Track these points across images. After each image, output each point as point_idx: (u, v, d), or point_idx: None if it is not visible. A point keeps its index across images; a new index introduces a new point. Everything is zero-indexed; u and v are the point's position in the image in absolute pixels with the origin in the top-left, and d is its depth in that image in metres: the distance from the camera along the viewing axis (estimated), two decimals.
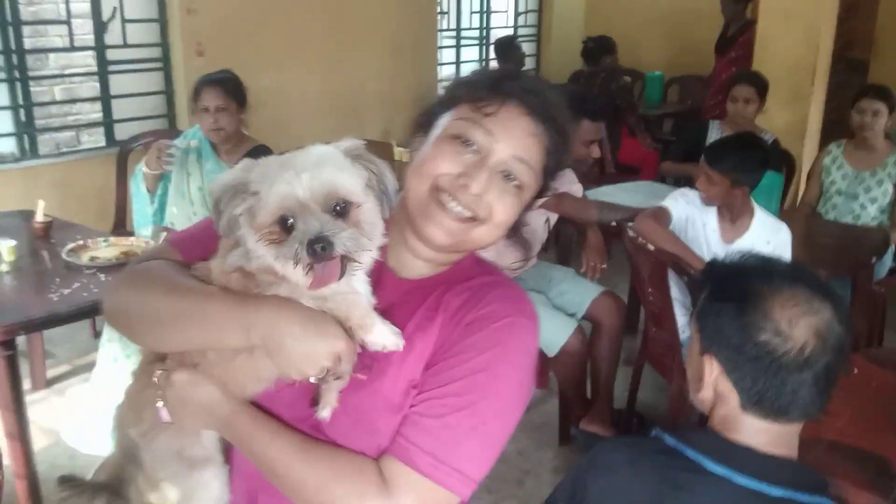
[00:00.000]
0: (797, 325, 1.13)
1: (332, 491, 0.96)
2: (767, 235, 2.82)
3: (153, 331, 1.06)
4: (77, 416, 3.18)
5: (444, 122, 1.08)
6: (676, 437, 1.18)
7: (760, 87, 4.09)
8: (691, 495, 1.11)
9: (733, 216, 2.81)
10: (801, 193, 4.30)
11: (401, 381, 1.03)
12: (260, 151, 3.22)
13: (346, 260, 0.94)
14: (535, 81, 1.10)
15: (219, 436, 1.09)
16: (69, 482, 1.14)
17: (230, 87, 3.17)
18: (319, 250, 0.90)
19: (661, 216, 2.79)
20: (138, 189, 3.31)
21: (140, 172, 3.26)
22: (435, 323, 1.05)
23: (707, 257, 2.83)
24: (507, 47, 6.39)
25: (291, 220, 0.92)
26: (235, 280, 1.01)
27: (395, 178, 1.02)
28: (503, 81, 1.07)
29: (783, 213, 3.34)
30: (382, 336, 0.99)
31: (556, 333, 2.88)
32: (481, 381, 1.00)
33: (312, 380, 1.00)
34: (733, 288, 1.18)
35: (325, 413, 1.01)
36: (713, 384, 1.19)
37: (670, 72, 7.04)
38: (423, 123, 1.12)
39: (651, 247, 2.66)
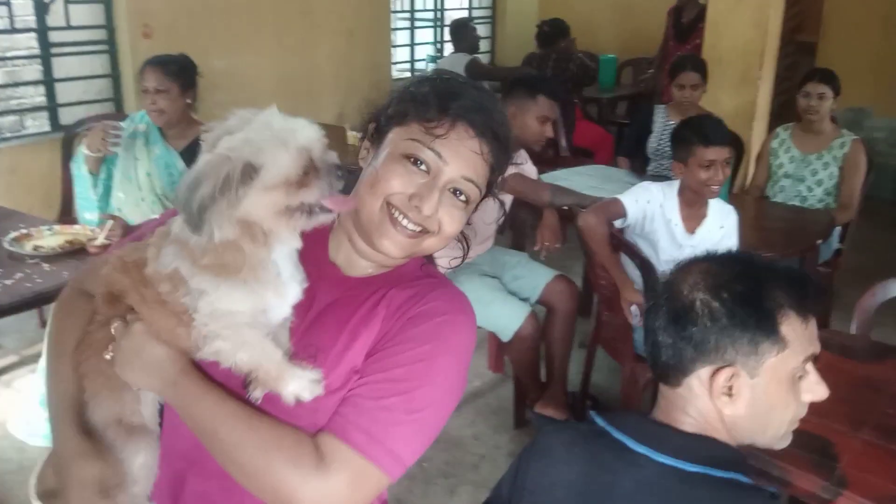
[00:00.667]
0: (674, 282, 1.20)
1: (270, 457, 0.98)
2: (721, 220, 2.86)
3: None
4: (24, 407, 3.11)
5: (394, 138, 1.13)
6: (605, 419, 1.21)
7: (704, 71, 4.17)
8: (615, 475, 1.14)
9: (699, 203, 2.84)
10: (749, 177, 4.37)
11: (342, 367, 1.07)
12: None
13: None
14: (481, 99, 1.14)
15: (156, 409, 1.11)
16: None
17: (173, 69, 3.08)
18: (341, 176, 1.01)
19: (612, 210, 2.79)
20: (80, 171, 3.22)
21: (81, 154, 3.17)
22: (378, 316, 1.11)
23: (674, 251, 2.86)
24: (461, 29, 6.37)
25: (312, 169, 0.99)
26: (165, 285, 1.00)
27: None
28: (451, 101, 1.11)
29: (732, 197, 3.38)
30: (299, 386, 1.00)
31: (510, 318, 2.89)
32: (420, 370, 1.06)
33: None
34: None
35: (256, 394, 1.03)
36: None
37: (624, 55, 7.09)
38: (372, 135, 1.18)
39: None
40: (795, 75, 5.25)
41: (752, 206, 3.72)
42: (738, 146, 4.36)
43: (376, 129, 1.17)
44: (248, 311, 0.98)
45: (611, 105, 6.96)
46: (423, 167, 1.10)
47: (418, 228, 1.10)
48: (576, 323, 3.13)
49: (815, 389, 1.21)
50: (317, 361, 1.07)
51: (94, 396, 1.08)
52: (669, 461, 1.11)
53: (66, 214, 3.96)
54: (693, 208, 2.83)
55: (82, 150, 3.15)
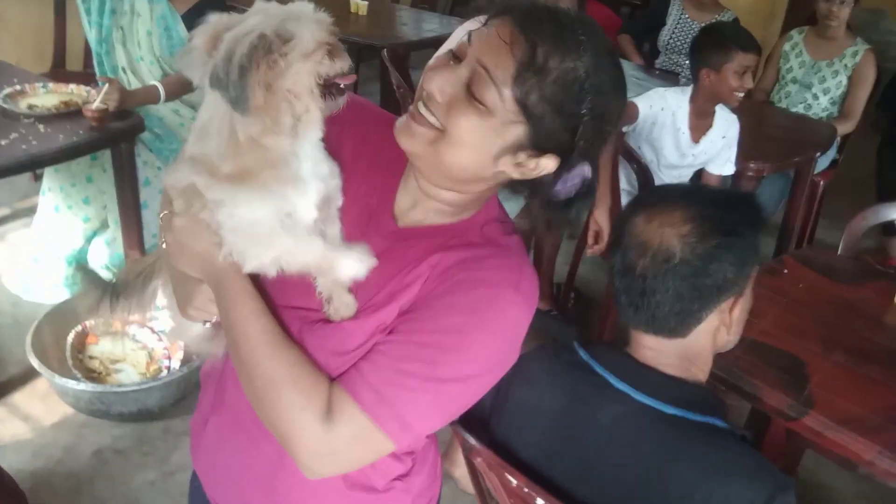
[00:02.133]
0: (646, 234, 1.18)
1: (280, 392, 0.95)
2: (724, 129, 2.84)
3: None
4: (19, 263, 3.15)
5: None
6: (589, 353, 1.24)
7: None
8: (594, 408, 1.18)
9: (708, 112, 2.81)
10: (757, 77, 4.29)
11: (370, 323, 1.00)
12: (211, 2, 3.03)
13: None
14: (550, 12, 0.94)
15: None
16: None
17: None
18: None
19: (626, 112, 2.76)
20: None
21: None
22: (420, 277, 1.01)
23: (675, 159, 2.86)
24: None
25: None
26: (179, 202, 1.01)
27: None
28: (514, 2, 0.95)
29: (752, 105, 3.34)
30: (348, 268, 0.98)
31: (506, 208, 2.90)
32: (451, 341, 0.96)
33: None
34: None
35: (331, 311, 1.01)
36: None
37: None
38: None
39: None
40: None
41: (755, 110, 3.67)
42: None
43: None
44: (270, 218, 0.95)
45: None
46: (452, 55, 0.97)
47: (431, 117, 0.95)
48: None
49: None
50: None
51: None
52: (649, 401, 1.15)
53: (60, 66, 3.88)
54: (701, 118, 2.81)
55: None
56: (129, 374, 2.58)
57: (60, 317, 2.66)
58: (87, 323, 2.64)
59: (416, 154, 0.99)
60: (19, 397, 2.61)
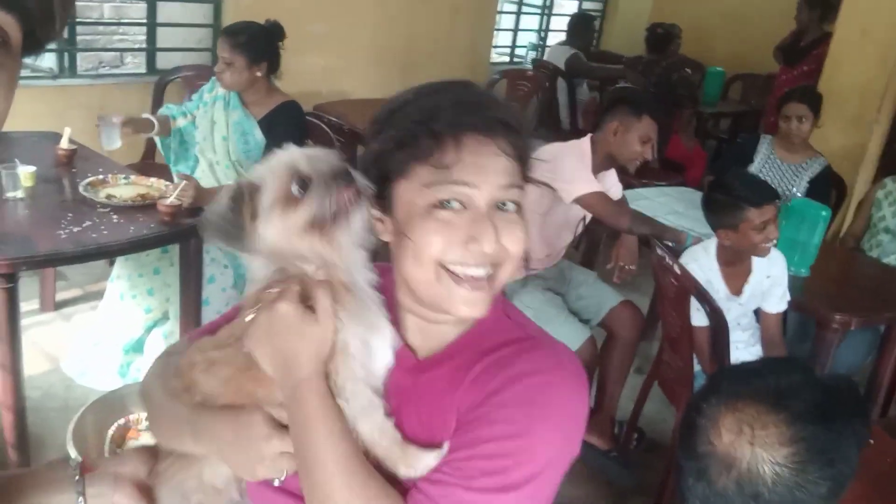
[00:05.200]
0: (734, 448, 1.04)
1: None
2: (767, 269, 2.68)
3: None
4: (78, 346, 3.17)
5: (404, 195, 0.95)
6: None
7: (815, 103, 3.87)
8: None
9: (741, 259, 2.67)
10: (846, 224, 4.12)
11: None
12: (287, 107, 3.16)
13: (357, 193, 0.94)
14: (461, 96, 0.97)
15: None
16: None
17: (241, 41, 3.03)
18: (343, 181, 0.92)
19: None
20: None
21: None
22: (454, 403, 0.96)
23: (727, 309, 2.70)
24: (581, 23, 6.17)
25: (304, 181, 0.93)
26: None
27: None
28: (437, 121, 0.93)
29: (825, 245, 3.17)
30: (418, 462, 0.93)
31: (567, 339, 2.75)
32: (515, 443, 0.90)
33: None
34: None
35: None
36: None
37: (733, 68, 6.76)
38: (377, 204, 0.98)
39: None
40: None
41: (843, 257, 3.50)
42: (840, 189, 4.12)
43: (378, 196, 0.97)
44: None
45: (713, 120, 6.69)
46: (455, 205, 0.93)
47: (489, 270, 0.94)
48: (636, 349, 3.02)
49: None
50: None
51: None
52: None
53: (149, 158, 4.02)
54: (734, 266, 2.67)
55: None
56: None
57: (107, 406, 2.61)
58: (131, 416, 2.59)
59: (484, 314, 0.97)
60: None
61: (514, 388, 0.92)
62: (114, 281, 3.09)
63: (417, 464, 0.92)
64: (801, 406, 1.04)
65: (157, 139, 3.32)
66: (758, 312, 2.84)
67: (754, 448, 1.01)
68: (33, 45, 0.66)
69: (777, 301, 2.73)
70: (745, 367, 1.19)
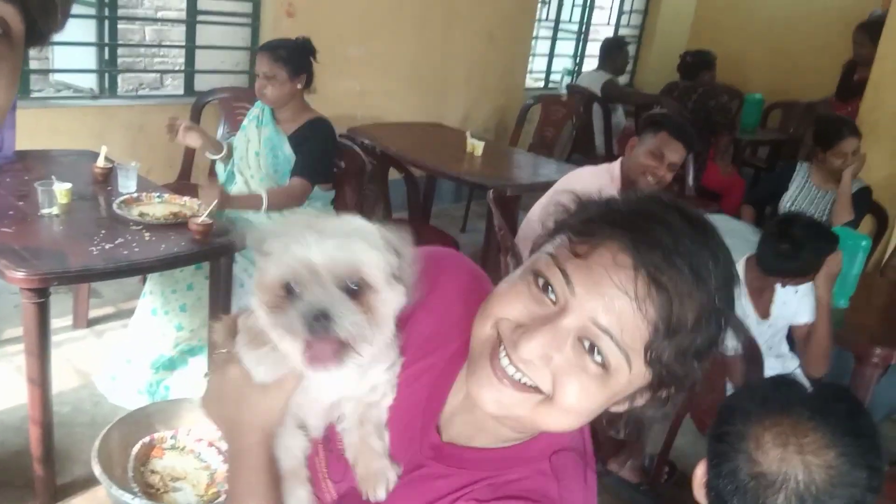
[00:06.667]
0: (784, 464, 1.01)
1: None
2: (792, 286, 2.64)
3: None
4: (111, 362, 3.19)
5: (542, 250, 0.82)
6: None
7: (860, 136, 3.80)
8: None
9: (764, 284, 2.64)
10: (888, 254, 4.02)
11: None
12: (316, 125, 3.23)
13: (345, 346, 0.81)
14: (664, 222, 0.76)
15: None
16: None
17: (281, 55, 3.10)
18: (319, 327, 0.78)
19: None
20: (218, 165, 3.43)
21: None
22: None
23: (758, 334, 2.66)
24: (614, 48, 6.14)
25: (298, 289, 0.80)
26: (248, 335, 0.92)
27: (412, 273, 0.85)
28: (617, 211, 0.78)
29: (864, 277, 3.09)
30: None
31: None
32: None
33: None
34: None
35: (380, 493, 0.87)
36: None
37: (772, 96, 6.67)
38: (535, 246, 0.86)
39: None
40: None
41: (883, 288, 3.40)
42: (881, 219, 4.03)
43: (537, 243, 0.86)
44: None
45: (751, 148, 6.60)
46: (552, 296, 0.78)
47: (520, 377, 0.78)
48: None
49: None
50: None
51: None
52: None
53: (185, 178, 4.06)
54: (761, 292, 2.65)
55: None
56: (187, 495, 2.49)
57: (133, 424, 2.62)
58: (156, 435, 2.59)
59: (496, 414, 0.82)
60: (78, 501, 2.57)
61: None
62: (146, 296, 3.11)
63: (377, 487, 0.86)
64: (827, 408, 1.05)
65: (220, 164, 3.36)
66: (790, 339, 2.78)
67: (804, 456, 1.00)
68: (36, 37, 0.66)
69: (808, 313, 2.69)
70: (754, 388, 1.17)
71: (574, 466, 0.87)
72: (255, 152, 3.18)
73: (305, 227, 0.82)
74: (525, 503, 0.81)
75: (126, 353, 3.13)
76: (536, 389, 0.78)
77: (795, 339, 2.74)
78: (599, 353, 0.75)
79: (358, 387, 0.89)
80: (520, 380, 0.78)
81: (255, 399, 0.86)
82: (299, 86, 3.17)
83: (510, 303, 0.80)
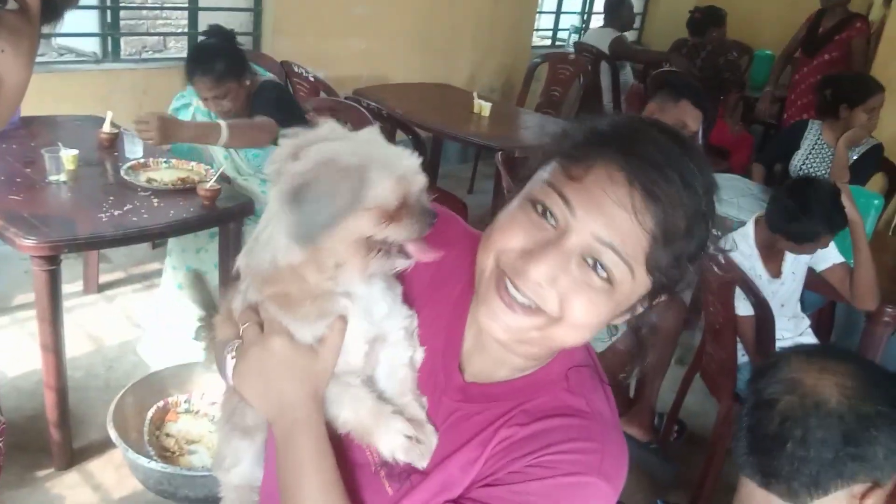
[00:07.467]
0: (801, 373, 1.07)
1: None
2: None
3: None
4: (153, 331, 3.16)
5: (534, 178, 0.86)
6: None
7: None
8: None
9: (775, 245, 2.63)
10: None
11: (434, 483, 0.89)
12: (267, 87, 3.01)
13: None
14: (650, 140, 0.80)
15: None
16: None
17: (221, 69, 2.84)
18: (432, 222, 0.86)
19: None
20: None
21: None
22: (480, 459, 0.88)
23: (771, 293, 2.65)
24: (618, 4, 6.05)
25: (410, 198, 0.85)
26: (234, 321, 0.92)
27: None
28: (603, 133, 0.82)
29: (876, 235, 3.07)
30: (392, 443, 0.86)
31: (605, 331, 2.74)
32: None
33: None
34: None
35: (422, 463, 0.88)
36: None
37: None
38: (521, 177, 0.89)
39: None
40: None
41: (893, 248, 3.38)
42: (893, 177, 3.99)
43: (524, 174, 0.89)
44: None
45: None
46: (551, 220, 0.81)
47: (529, 302, 0.81)
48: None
49: None
50: (410, 482, 0.89)
51: None
52: None
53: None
54: (771, 250, 2.64)
55: None
56: (202, 457, 2.52)
57: (147, 388, 2.64)
58: (170, 399, 2.61)
59: (506, 341, 0.85)
60: (95, 465, 2.60)
61: (545, 481, 0.84)
62: (169, 271, 3.07)
63: (384, 434, 0.86)
64: (875, 368, 1.10)
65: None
66: (803, 301, 2.77)
67: (823, 374, 1.05)
68: (52, 12, 0.65)
69: (832, 256, 2.68)
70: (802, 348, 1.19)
71: (591, 380, 0.92)
72: (225, 156, 3.05)
73: (375, 144, 0.86)
74: (563, 419, 0.87)
75: (157, 324, 3.12)
76: (544, 312, 0.81)
77: (833, 284, 2.71)
78: (603, 268, 0.79)
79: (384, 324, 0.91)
80: (528, 304, 0.81)
81: (305, 364, 0.86)
82: (248, 81, 2.96)
83: (513, 233, 0.83)
